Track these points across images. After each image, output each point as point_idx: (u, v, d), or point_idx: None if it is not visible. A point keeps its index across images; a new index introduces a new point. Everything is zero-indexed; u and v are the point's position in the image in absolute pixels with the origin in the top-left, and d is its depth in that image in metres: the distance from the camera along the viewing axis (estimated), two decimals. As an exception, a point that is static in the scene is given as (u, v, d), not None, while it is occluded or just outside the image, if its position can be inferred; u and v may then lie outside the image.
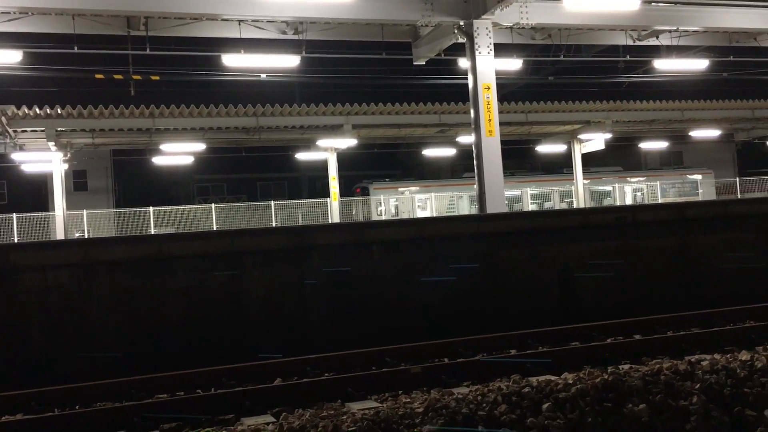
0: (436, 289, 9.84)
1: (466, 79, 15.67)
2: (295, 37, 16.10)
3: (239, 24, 15.25)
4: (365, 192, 30.41)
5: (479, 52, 15.16)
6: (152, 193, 35.83)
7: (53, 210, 24.46)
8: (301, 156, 30.42)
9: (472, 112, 15.50)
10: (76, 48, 15.15)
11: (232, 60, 16.64)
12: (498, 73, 15.89)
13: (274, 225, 26.04)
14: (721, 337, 8.44)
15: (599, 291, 10.56)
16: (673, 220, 11.55)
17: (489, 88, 15.27)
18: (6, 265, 8.42)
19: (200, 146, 25.47)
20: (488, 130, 15.20)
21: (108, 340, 8.58)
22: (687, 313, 9.71)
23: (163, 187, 38.21)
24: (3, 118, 20.45)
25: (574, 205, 29.83)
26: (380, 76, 24.94)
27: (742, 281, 11.10)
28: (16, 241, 23.02)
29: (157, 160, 28.39)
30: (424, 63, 17.86)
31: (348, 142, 25.30)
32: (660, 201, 32.15)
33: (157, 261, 8.96)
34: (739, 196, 33.31)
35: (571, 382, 5.46)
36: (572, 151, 29.59)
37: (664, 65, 20.65)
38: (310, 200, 29.58)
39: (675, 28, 17.70)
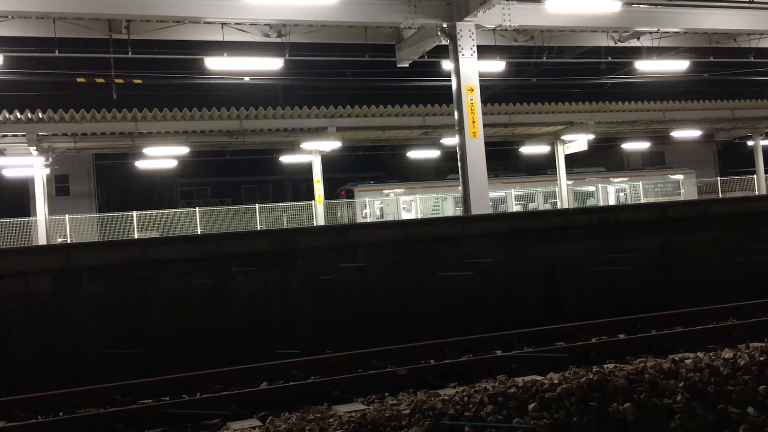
0: (422, 291, 9.86)
1: (450, 81, 15.71)
2: (279, 39, 16.08)
3: (222, 27, 15.21)
4: (350, 194, 30.38)
5: (462, 54, 15.22)
6: (135, 198, 35.62)
7: (35, 215, 24.22)
8: (286, 159, 30.33)
9: (455, 113, 15.55)
10: (57, 51, 15.04)
11: (215, 63, 16.58)
12: (481, 75, 15.95)
13: (258, 228, 25.94)
14: (705, 335, 8.52)
15: (583, 291, 10.63)
16: (656, 220, 11.64)
17: (472, 89, 15.33)
18: (-13, 271, 8.34)
19: (184, 150, 25.33)
20: (472, 132, 15.26)
21: (92, 345, 8.51)
22: (670, 312, 9.79)
23: (146, 191, 38.00)
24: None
25: (558, 206, 29.98)
26: (364, 79, 24.97)
27: (724, 280, 11.21)
28: (-3, 246, 22.77)
29: (140, 164, 28.22)
30: (407, 65, 17.90)
31: (332, 145, 25.28)
32: (642, 201, 32.38)
33: (141, 265, 8.90)
34: (720, 195, 33.62)
35: (556, 382, 5.48)
36: (555, 152, 29.74)
37: (646, 66, 20.83)
38: (295, 203, 29.48)
39: (656, 29, 17.87)
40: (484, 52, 17.37)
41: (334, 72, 25.60)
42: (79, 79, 21.58)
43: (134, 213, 25.64)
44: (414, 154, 32.13)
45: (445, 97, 19.85)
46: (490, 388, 5.70)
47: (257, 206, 27.27)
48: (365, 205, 29.84)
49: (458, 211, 27.87)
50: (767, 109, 29.22)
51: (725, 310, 9.84)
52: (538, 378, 6.21)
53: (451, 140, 25.88)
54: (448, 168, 32.11)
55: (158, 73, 23.34)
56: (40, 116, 20.74)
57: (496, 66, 19.29)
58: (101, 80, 20.74)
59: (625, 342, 8.45)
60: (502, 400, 5.14)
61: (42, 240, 23.11)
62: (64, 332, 8.49)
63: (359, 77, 25.06)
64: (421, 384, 7.15)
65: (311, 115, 23.49)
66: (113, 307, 8.72)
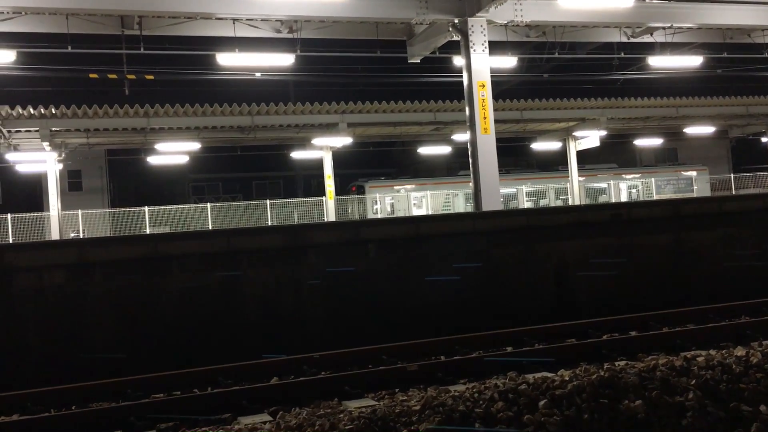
0: (432, 287, 9.85)
1: (461, 76, 15.67)
2: (290, 35, 16.08)
3: (234, 23, 15.22)
4: (361, 190, 30.37)
5: (474, 50, 15.17)
6: (147, 193, 35.74)
7: (48, 210, 24.38)
8: (297, 155, 30.37)
9: (467, 109, 15.51)
10: (69, 47, 15.10)
11: (226, 59, 16.60)
12: (493, 71, 15.89)
13: (269, 224, 26.00)
14: (717, 332, 8.47)
15: (595, 288, 10.58)
16: (668, 217, 11.57)
17: (484, 85, 15.28)
18: (1, 265, 8.40)
19: (195, 145, 25.41)
20: (483, 128, 15.21)
21: (104, 340, 8.57)
22: (682, 309, 9.74)
23: (158, 187, 38.12)
24: (-3, 119, 20.38)
25: (570, 203, 29.87)
26: (375, 75, 24.92)
27: (736, 277, 11.14)
28: (10, 241, 22.93)
29: (152, 160, 28.33)
30: (418, 61, 17.87)
31: (343, 141, 25.28)
32: (655, 197, 32.18)
33: (153, 261, 8.94)
34: (733, 192, 33.38)
35: (567, 378, 5.46)
36: (567, 148, 29.62)
37: (659, 62, 20.68)
38: (306, 199, 29.54)
39: (669, 24, 17.74)
40: (495, 47, 17.31)
41: (345, 68, 25.58)
42: (91, 75, 21.70)
43: (146, 208, 25.75)
44: (425, 150, 32.08)
45: (456, 93, 19.80)
46: (500, 384, 5.68)
47: (268, 202, 27.33)
48: (376, 201, 29.84)
49: (469, 208, 27.82)
50: (781, 105, 28.99)
51: (738, 308, 9.78)
52: (549, 375, 6.19)
53: (462, 136, 25.80)
54: (459, 164, 32.04)
55: (170, 69, 23.43)
56: (53, 112, 20.86)
57: (508, 62, 19.21)
58: (114, 76, 20.85)
59: (636, 339, 8.41)
60: (512, 397, 5.13)
61: (55, 235, 23.26)
62: (77, 326, 8.55)
63: (370, 73, 25.01)
64: (431, 380, 7.15)
65: (322, 111, 23.50)
66: (125, 302, 8.77)
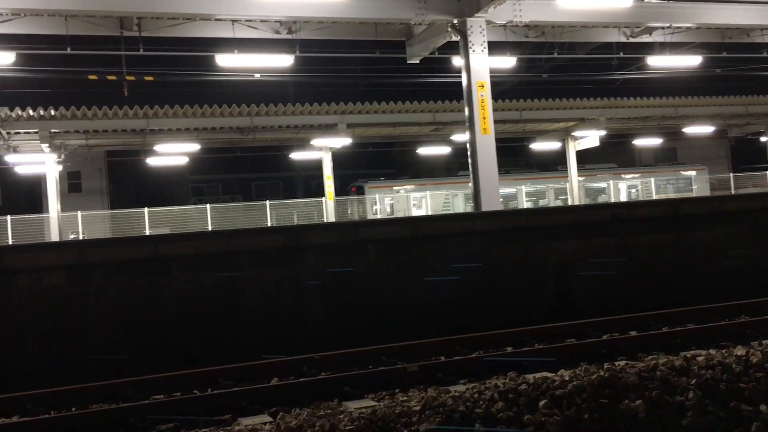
0: (432, 288, 9.84)
1: (460, 77, 15.68)
2: (289, 36, 16.09)
3: (232, 24, 15.24)
4: (360, 191, 30.38)
5: (473, 50, 15.18)
6: (147, 194, 35.77)
7: (47, 212, 24.38)
8: (296, 155, 30.38)
9: (466, 110, 15.52)
10: (69, 49, 15.11)
11: (225, 60, 16.62)
12: (492, 71, 15.91)
13: (269, 225, 26.00)
14: (717, 332, 8.47)
15: (594, 288, 10.58)
16: (668, 217, 11.57)
17: (483, 86, 15.29)
18: (1, 267, 8.40)
19: (195, 146, 25.43)
20: (483, 128, 15.22)
21: (104, 341, 8.56)
22: (682, 308, 9.74)
23: (157, 188, 38.15)
24: (-4, 120, 20.38)
25: (569, 203, 29.87)
26: (374, 75, 24.93)
27: (736, 277, 11.14)
28: (10, 243, 22.92)
29: (152, 161, 28.34)
30: (418, 61, 17.88)
31: (342, 141, 25.30)
32: (654, 197, 32.18)
33: (152, 262, 8.94)
34: (733, 191, 33.39)
35: (567, 378, 5.46)
36: (567, 148, 29.64)
37: (658, 62, 20.70)
38: (305, 200, 29.54)
39: (668, 24, 17.76)
40: (494, 48, 17.33)
41: (344, 68, 25.58)
42: (90, 77, 21.70)
43: (146, 210, 25.75)
44: (424, 151, 32.10)
45: (455, 93, 19.80)
46: (500, 384, 5.68)
47: (268, 203, 27.33)
48: (376, 202, 29.84)
49: (469, 208, 27.82)
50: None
51: (737, 307, 9.77)
52: (549, 375, 6.19)
53: (461, 136, 25.81)
54: (459, 164, 32.04)
55: (169, 70, 23.42)
56: (53, 113, 20.87)
57: (507, 62, 19.23)
58: (113, 77, 20.86)
59: (636, 339, 8.41)
60: (512, 397, 5.13)
61: (54, 236, 23.26)
62: (77, 328, 8.54)
63: (369, 74, 25.02)
64: (431, 380, 7.15)
65: (321, 111, 23.51)
66: (125, 303, 8.76)
